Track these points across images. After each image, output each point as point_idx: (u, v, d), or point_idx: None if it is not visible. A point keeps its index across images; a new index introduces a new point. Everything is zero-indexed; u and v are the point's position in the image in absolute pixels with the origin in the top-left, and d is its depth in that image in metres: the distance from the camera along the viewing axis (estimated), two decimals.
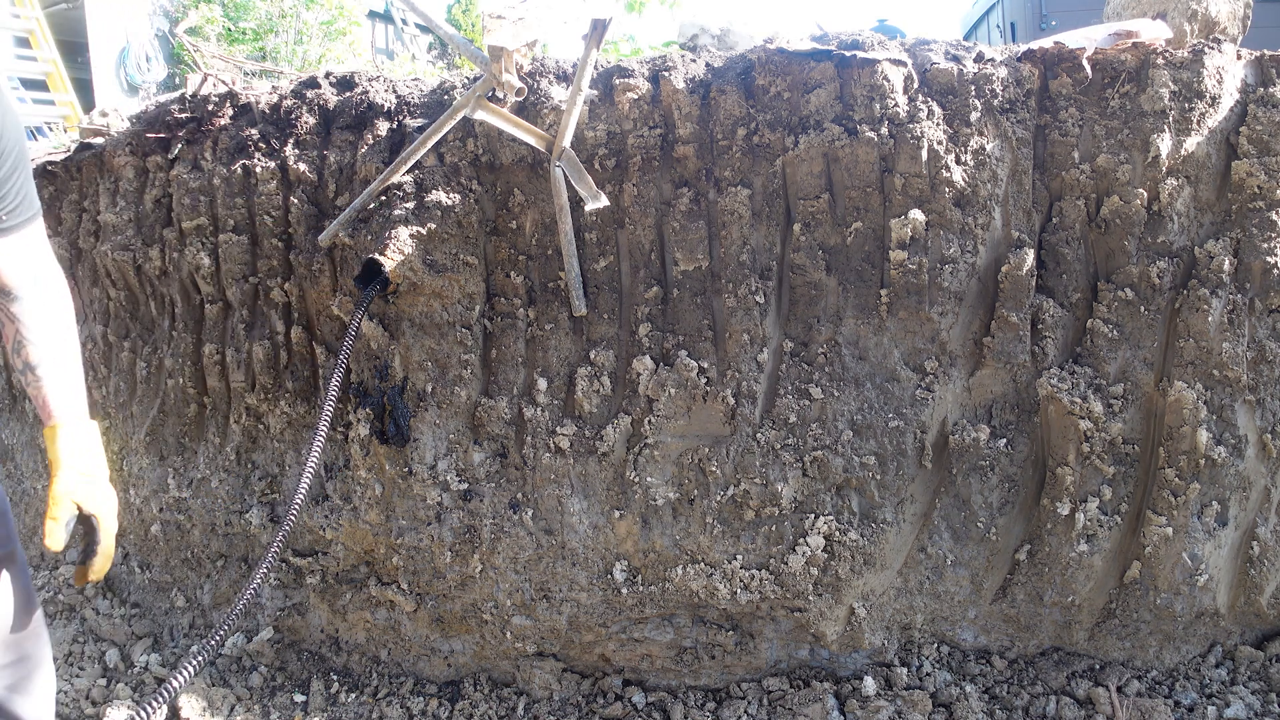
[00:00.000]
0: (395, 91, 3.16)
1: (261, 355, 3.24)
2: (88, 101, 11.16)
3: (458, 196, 2.90)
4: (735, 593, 2.89)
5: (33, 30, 11.13)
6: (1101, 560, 2.93)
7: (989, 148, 2.76)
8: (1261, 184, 2.77)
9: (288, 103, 3.22)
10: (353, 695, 3.19)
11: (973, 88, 2.76)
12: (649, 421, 2.89)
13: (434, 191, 2.88)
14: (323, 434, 2.58)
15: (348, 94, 3.19)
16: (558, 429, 2.94)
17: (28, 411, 4.06)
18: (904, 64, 2.74)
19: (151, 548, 3.63)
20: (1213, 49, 2.78)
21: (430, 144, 2.83)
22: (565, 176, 2.77)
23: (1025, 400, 2.91)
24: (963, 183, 2.75)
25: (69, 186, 3.74)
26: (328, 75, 3.29)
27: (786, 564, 2.84)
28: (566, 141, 2.74)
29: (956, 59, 2.79)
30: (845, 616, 2.94)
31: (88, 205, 3.69)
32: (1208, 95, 2.75)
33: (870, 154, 2.72)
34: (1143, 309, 2.82)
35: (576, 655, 3.13)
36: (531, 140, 2.80)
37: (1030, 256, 2.80)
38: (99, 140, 3.62)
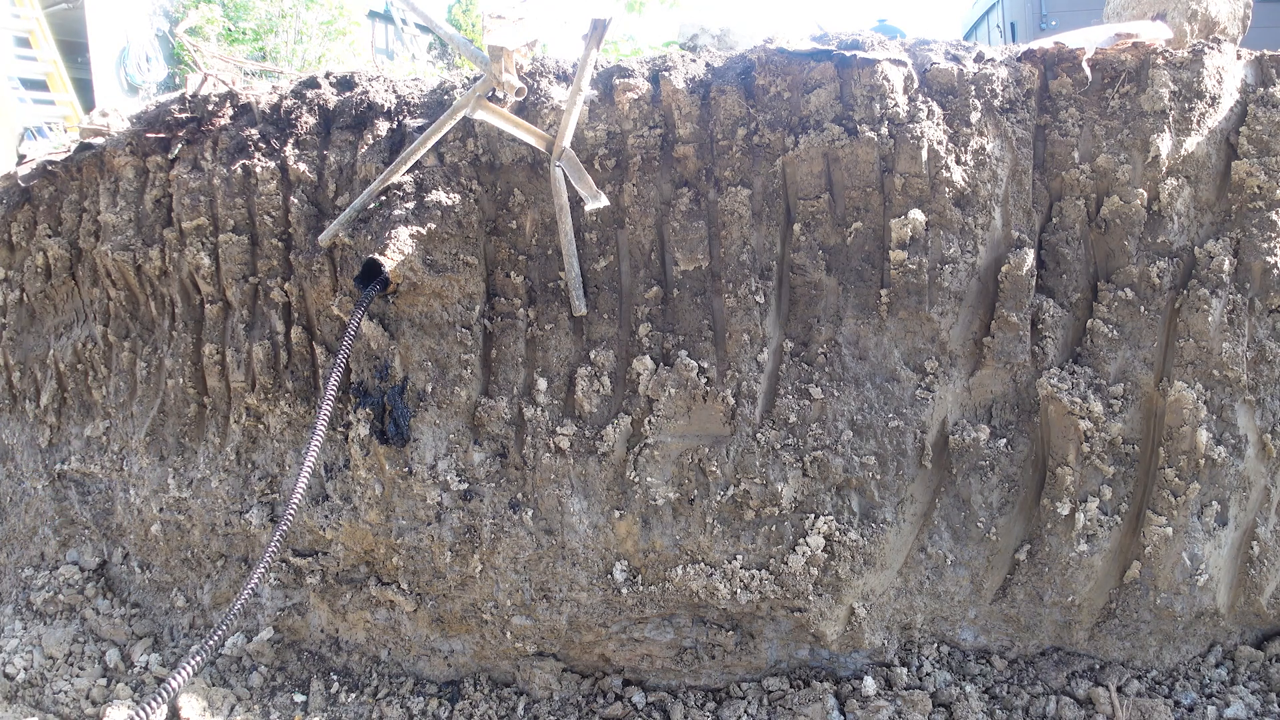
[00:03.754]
0: (395, 91, 3.16)
1: (261, 355, 3.24)
2: (88, 101, 11.16)
3: (458, 196, 2.90)
4: (735, 593, 2.89)
5: (33, 30, 11.14)
6: (1101, 560, 2.93)
7: (989, 148, 2.76)
8: (1261, 184, 2.77)
9: (288, 103, 3.22)
10: (353, 695, 3.19)
11: (973, 88, 2.76)
12: (649, 421, 2.89)
13: (434, 191, 2.88)
14: (320, 433, 2.58)
15: (348, 94, 3.19)
16: (558, 429, 2.94)
17: (28, 411, 4.05)
18: (904, 64, 2.74)
19: (151, 548, 3.63)
20: (1213, 49, 2.78)
21: (430, 144, 2.83)
22: (565, 176, 2.76)
23: (1025, 400, 2.91)
24: (963, 183, 2.75)
25: (69, 186, 3.73)
26: (328, 75, 3.29)
27: (786, 564, 2.84)
28: (566, 141, 2.74)
29: (956, 59, 2.79)
30: (845, 616, 2.94)
31: (88, 205, 3.68)
32: (1208, 95, 2.75)
33: (870, 154, 2.72)
34: (1143, 309, 2.82)
35: (576, 655, 3.13)
36: (531, 140, 2.80)
37: (1030, 256, 2.80)
38: (99, 140, 3.62)
